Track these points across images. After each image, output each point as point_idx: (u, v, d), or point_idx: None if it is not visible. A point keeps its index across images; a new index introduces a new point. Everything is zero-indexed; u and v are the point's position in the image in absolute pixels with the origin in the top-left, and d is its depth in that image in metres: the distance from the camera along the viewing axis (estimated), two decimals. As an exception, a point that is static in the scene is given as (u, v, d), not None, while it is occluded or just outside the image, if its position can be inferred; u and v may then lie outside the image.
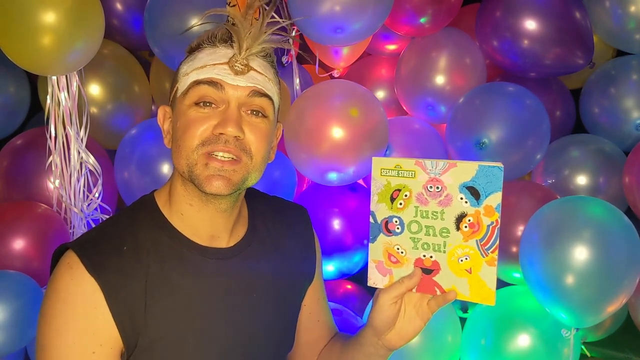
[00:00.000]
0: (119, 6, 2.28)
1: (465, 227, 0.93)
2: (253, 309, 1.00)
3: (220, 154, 0.88)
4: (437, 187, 0.94)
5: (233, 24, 0.91)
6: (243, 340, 0.98)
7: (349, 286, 2.19)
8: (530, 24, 1.96)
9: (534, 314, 1.77)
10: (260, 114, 0.92)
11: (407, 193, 0.96)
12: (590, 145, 2.15)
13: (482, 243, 0.92)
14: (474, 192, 0.92)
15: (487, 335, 1.80)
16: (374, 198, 0.99)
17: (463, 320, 1.96)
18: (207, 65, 0.91)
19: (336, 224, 2.04)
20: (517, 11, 1.98)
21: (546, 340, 1.72)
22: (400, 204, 0.97)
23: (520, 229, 1.84)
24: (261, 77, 0.92)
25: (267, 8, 0.94)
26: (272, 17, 0.94)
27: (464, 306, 2.20)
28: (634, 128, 2.15)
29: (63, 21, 1.63)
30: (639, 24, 2.10)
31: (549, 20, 1.95)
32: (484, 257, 0.93)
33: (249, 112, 0.91)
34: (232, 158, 0.89)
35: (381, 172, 0.98)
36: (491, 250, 0.92)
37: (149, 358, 0.90)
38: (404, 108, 2.34)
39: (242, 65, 0.90)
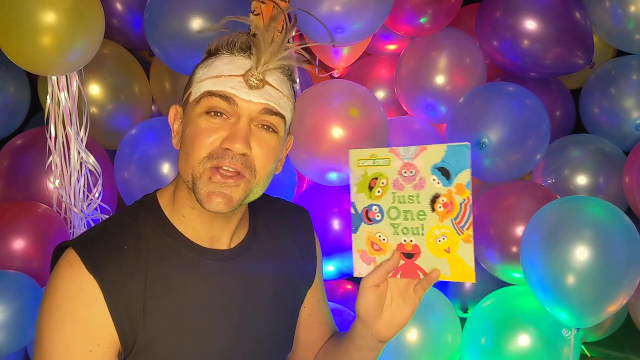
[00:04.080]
0: (119, 6, 2.27)
1: (440, 207, 0.95)
2: (253, 311, 1.00)
3: (225, 167, 0.88)
4: (411, 172, 0.96)
5: (254, 35, 0.90)
6: (242, 341, 0.98)
7: (349, 286, 2.19)
8: (530, 24, 1.96)
9: (534, 314, 1.77)
10: (270, 129, 0.91)
11: (384, 180, 0.98)
12: (590, 145, 2.15)
13: (456, 221, 0.94)
14: (444, 172, 0.94)
15: (487, 335, 1.80)
16: (353, 189, 1.01)
17: (463, 320, 1.96)
18: (223, 75, 0.89)
19: (336, 224, 2.04)
20: (517, 11, 1.98)
21: (546, 340, 1.72)
22: (378, 191, 0.99)
23: (520, 229, 1.84)
24: (276, 92, 0.91)
25: (289, 23, 0.92)
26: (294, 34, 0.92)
27: (464, 306, 2.20)
28: (634, 128, 2.15)
29: (63, 21, 1.63)
30: (639, 24, 2.10)
31: (549, 20, 1.95)
32: (459, 235, 0.94)
33: (260, 125, 0.91)
34: (236, 171, 0.88)
35: (358, 163, 1.00)
36: (466, 227, 0.94)
37: (146, 358, 0.90)
38: (404, 108, 2.34)
39: (257, 80, 0.89)
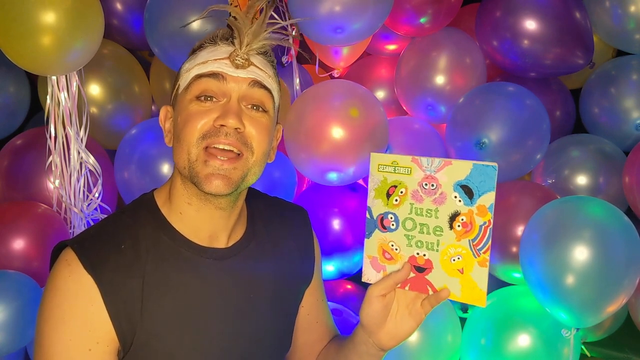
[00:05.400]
0: (119, 6, 2.27)
1: (459, 226, 0.93)
2: (250, 309, 1.00)
3: (221, 145, 0.88)
4: (432, 185, 0.94)
5: (235, 18, 0.92)
6: (240, 340, 0.98)
7: (349, 286, 2.19)
8: (530, 24, 1.96)
9: (534, 314, 1.76)
10: (260, 109, 0.93)
11: (403, 190, 0.96)
12: (590, 145, 2.15)
13: (474, 243, 0.92)
14: (467, 191, 0.92)
15: (487, 335, 1.80)
16: (370, 193, 1.00)
17: (463, 320, 1.96)
18: (209, 60, 0.92)
19: (336, 224, 2.04)
20: (517, 11, 1.98)
21: (546, 340, 1.72)
22: (396, 200, 0.97)
23: (520, 229, 1.84)
24: (261, 72, 0.94)
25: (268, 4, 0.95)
26: (272, 17, 0.96)
27: (464, 306, 2.20)
28: (634, 128, 2.15)
29: (63, 21, 1.63)
30: (639, 24, 2.10)
31: (549, 20, 1.95)
32: (475, 257, 0.92)
33: (250, 106, 0.92)
34: (233, 151, 0.89)
35: (378, 168, 0.99)
36: (483, 250, 0.92)
37: (144, 356, 0.90)
38: (404, 108, 2.34)
39: (242, 59, 0.91)
